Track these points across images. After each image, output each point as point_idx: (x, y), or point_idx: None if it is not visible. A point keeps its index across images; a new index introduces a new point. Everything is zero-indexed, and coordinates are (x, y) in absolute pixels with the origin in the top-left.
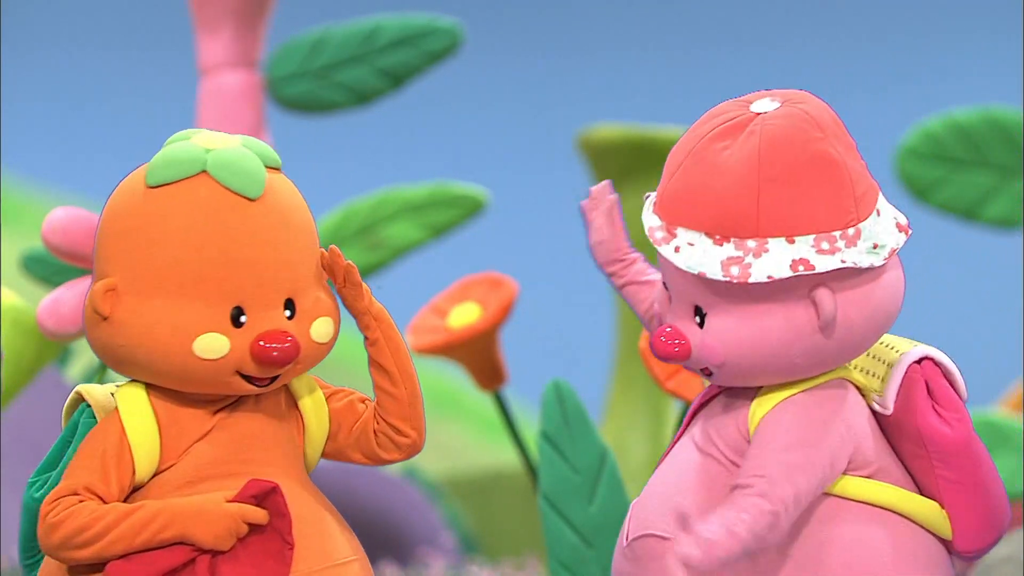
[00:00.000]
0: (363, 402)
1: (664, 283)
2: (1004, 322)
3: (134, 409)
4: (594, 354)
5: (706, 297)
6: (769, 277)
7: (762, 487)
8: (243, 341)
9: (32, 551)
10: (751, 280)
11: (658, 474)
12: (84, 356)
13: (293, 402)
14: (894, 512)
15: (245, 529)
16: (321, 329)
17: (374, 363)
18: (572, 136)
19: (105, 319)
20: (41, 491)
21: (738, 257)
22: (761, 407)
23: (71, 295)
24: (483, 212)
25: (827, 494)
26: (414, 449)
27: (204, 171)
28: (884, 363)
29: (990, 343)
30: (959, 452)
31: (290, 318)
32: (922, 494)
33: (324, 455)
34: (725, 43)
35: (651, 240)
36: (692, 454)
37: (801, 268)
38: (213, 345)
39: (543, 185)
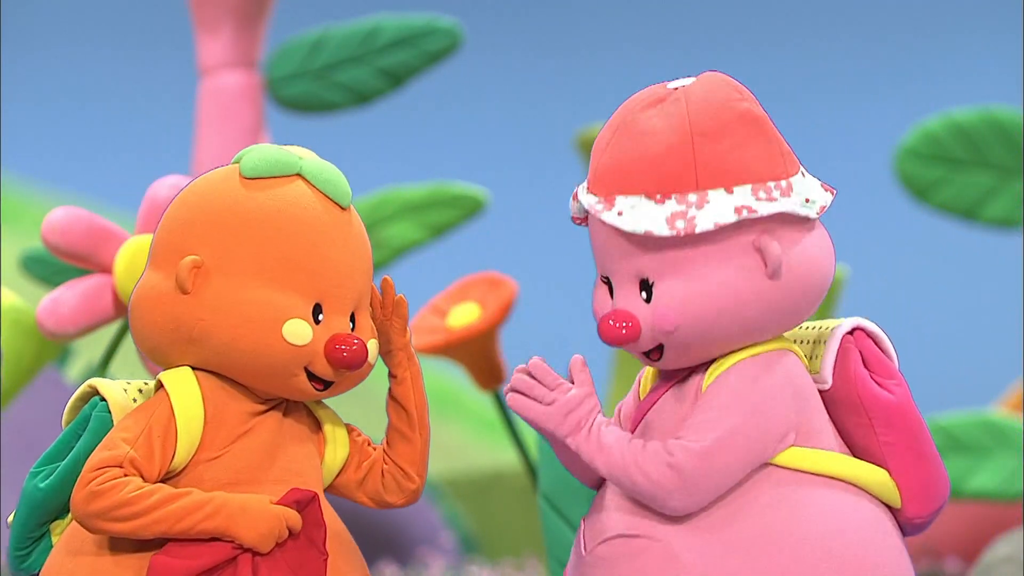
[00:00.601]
0: (371, 445)
1: (603, 278)
2: (1004, 322)
3: (185, 393)
4: (594, 354)
5: (652, 264)
6: (716, 224)
7: (680, 445)
8: (319, 337)
9: (27, 541)
10: (698, 230)
11: (608, 487)
12: (84, 356)
13: (318, 425)
14: (855, 484)
15: (286, 532)
16: (374, 350)
17: (395, 402)
18: (571, 136)
19: (186, 293)
20: (47, 481)
21: (681, 211)
22: (710, 377)
23: (71, 295)
24: (483, 212)
25: (786, 468)
26: (415, 495)
27: (299, 174)
28: (818, 342)
29: (990, 343)
30: (902, 415)
31: (351, 331)
32: None
33: (331, 488)
34: (725, 43)
35: (592, 213)
36: None
37: (745, 212)
38: (300, 331)
39: (542, 185)
